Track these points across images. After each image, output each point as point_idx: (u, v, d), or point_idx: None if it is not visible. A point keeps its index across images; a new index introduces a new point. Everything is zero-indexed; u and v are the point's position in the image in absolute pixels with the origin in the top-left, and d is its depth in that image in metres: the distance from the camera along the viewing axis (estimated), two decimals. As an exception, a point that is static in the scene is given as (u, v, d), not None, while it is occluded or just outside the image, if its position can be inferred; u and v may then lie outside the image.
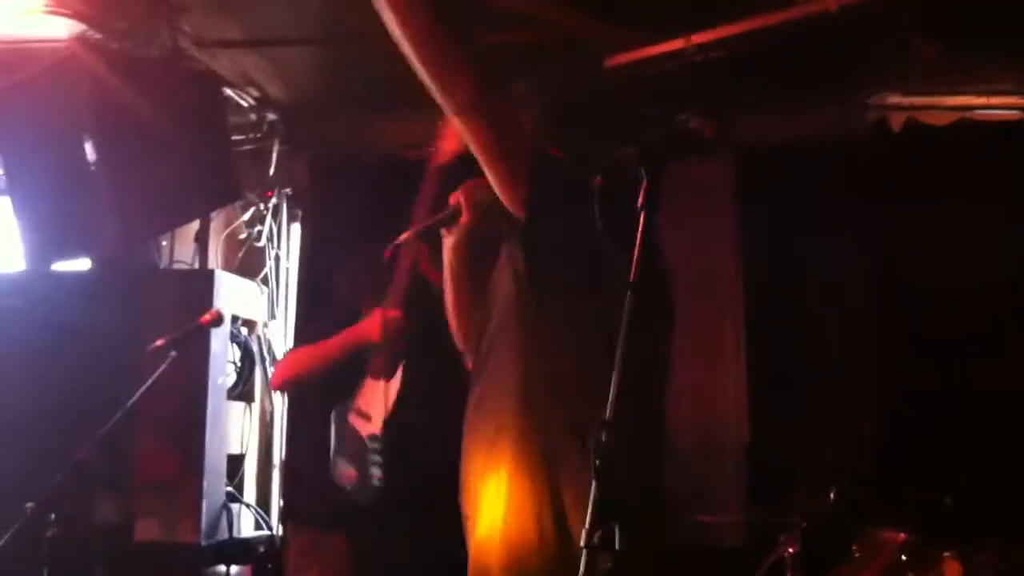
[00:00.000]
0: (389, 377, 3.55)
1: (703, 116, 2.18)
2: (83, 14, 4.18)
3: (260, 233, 5.25)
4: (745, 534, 4.61)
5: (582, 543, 1.65)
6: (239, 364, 5.01)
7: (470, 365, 2.75)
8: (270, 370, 5.18)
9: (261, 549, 4.92)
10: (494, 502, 2.45)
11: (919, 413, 4.50)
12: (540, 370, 2.49)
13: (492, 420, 2.54)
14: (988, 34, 4.05)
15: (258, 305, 5.16)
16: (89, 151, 4.18)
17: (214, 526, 4.60)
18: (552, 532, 2.38)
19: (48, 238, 4.51)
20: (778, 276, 4.78)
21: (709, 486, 4.81)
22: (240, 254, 5.28)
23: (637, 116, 2.69)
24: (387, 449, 3.47)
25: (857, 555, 3.68)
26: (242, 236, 5.29)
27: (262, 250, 5.26)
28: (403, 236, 2.73)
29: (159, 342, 3.68)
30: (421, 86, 2.43)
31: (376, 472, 3.49)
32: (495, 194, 2.54)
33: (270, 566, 4.93)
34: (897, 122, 4.82)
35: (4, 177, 4.59)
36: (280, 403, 5.22)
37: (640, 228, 1.86)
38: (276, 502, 5.17)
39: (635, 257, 1.86)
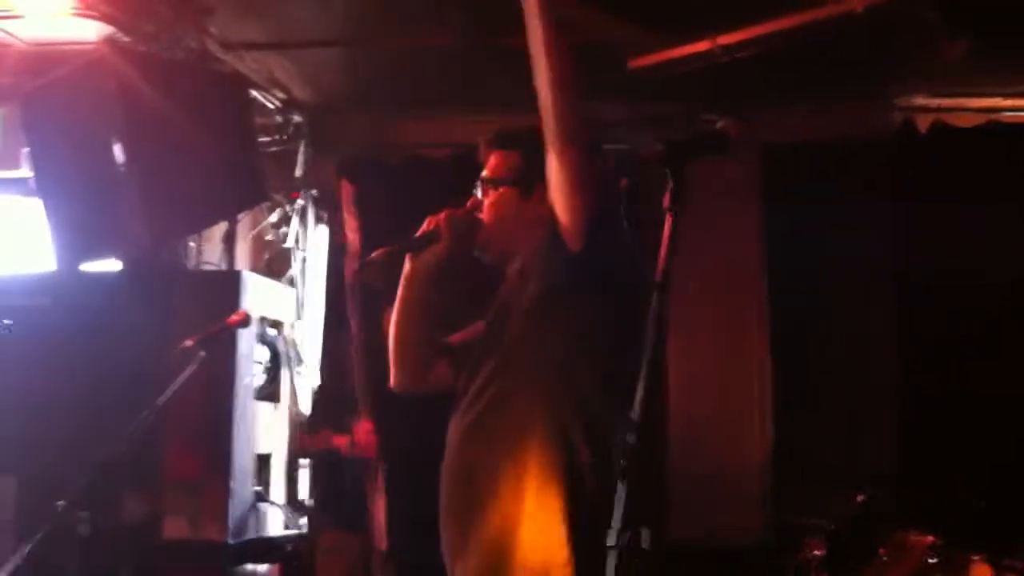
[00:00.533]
0: None
1: (728, 116, 2.19)
2: (111, 17, 4.22)
3: (287, 234, 5.27)
4: (769, 535, 4.60)
5: (611, 544, 1.65)
6: (267, 365, 5.03)
7: (399, 382, 2.80)
8: (297, 370, 5.21)
9: (288, 548, 4.95)
10: (515, 500, 2.47)
11: (943, 414, 4.48)
12: (563, 376, 2.51)
13: (514, 421, 2.55)
14: (1015, 33, 4.02)
15: (285, 306, 5.18)
16: (118, 153, 4.21)
17: (241, 525, 4.62)
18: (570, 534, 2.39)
19: (78, 239, 4.54)
20: (802, 276, 4.77)
21: (733, 486, 4.81)
22: (267, 255, 5.32)
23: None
24: None
25: (884, 558, 3.66)
26: (269, 237, 5.32)
27: (289, 251, 5.29)
28: (376, 254, 2.73)
29: (187, 342, 3.70)
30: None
31: None
32: (475, 226, 2.66)
33: (297, 564, 4.97)
34: (924, 123, 4.79)
35: (34, 179, 4.62)
36: (306, 404, 5.25)
37: (666, 228, 1.87)
38: (304, 501, 5.20)
39: (661, 257, 1.87)
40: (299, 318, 5.27)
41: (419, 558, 3.28)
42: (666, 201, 1.87)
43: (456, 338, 2.88)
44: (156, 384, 3.66)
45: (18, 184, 5.09)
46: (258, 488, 4.80)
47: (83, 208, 4.40)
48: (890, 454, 4.56)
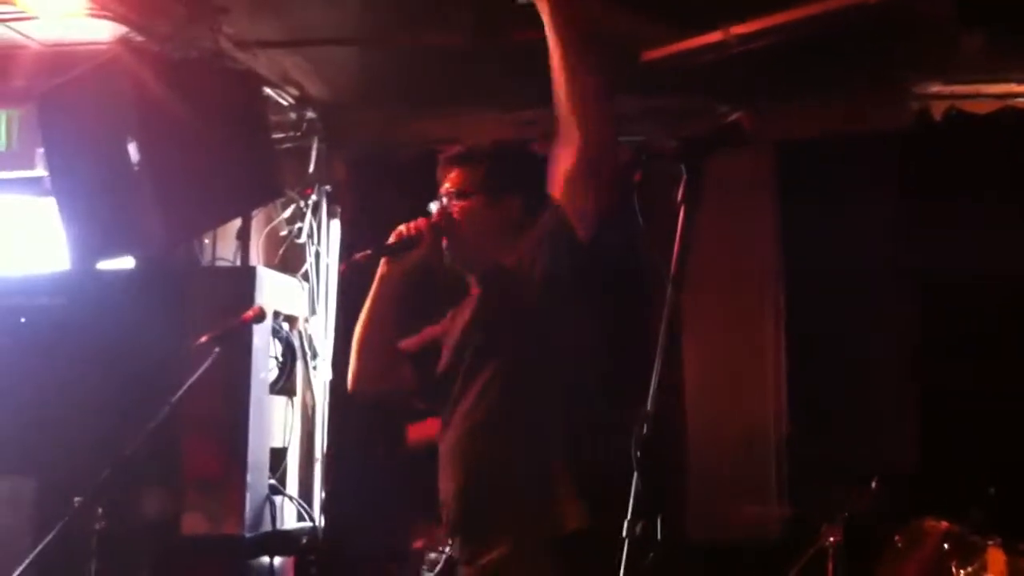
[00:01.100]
0: None
1: (742, 109, 2.19)
2: (125, 17, 4.23)
3: (300, 230, 5.29)
4: (785, 524, 4.61)
5: (623, 534, 1.67)
6: (281, 359, 5.06)
7: (360, 384, 2.89)
8: (311, 365, 5.23)
9: (304, 541, 4.98)
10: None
11: (962, 409, 4.47)
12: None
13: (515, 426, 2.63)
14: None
15: (299, 301, 5.21)
16: (132, 152, 4.23)
17: (258, 519, 4.65)
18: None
19: (92, 238, 4.56)
20: (818, 268, 4.75)
21: (749, 477, 4.81)
22: (281, 251, 5.33)
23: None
24: None
25: (899, 545, 3.67)
26: (283, 233, 5.34)
27: (302, 246, 5.30)
28: (359, 256, 2.80)
29: (203, 339, 3.72)
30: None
31: None
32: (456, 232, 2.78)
33: (313, 557, 5.00)
34: (939, 111, 4.77)
35: (49, 178, 4.65)
36: (322, 397, 5.28)
37: (680, 223, 1.87)
38: (318, 494, 5.23)
39: (675, 252, 1.88)
40: (313, 313, 5.29)
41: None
42: (680, 195, 1.88)
43: (411, 343, 2.96)
44: (172, 381, 3.69)
45: (33, 184, 5.12)
46: (273, 482, 4.83)
47: (98, 207, 4.42)
48: (908, 449, 4.56)
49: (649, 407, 1.73)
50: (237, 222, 5.08)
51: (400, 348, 2.92)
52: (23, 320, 4.86)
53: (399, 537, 4.64)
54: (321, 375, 5.28)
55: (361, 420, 5.00)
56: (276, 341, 4.99)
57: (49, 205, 4.69)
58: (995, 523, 3.50)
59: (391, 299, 2.85)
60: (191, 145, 4.18)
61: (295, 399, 5.16)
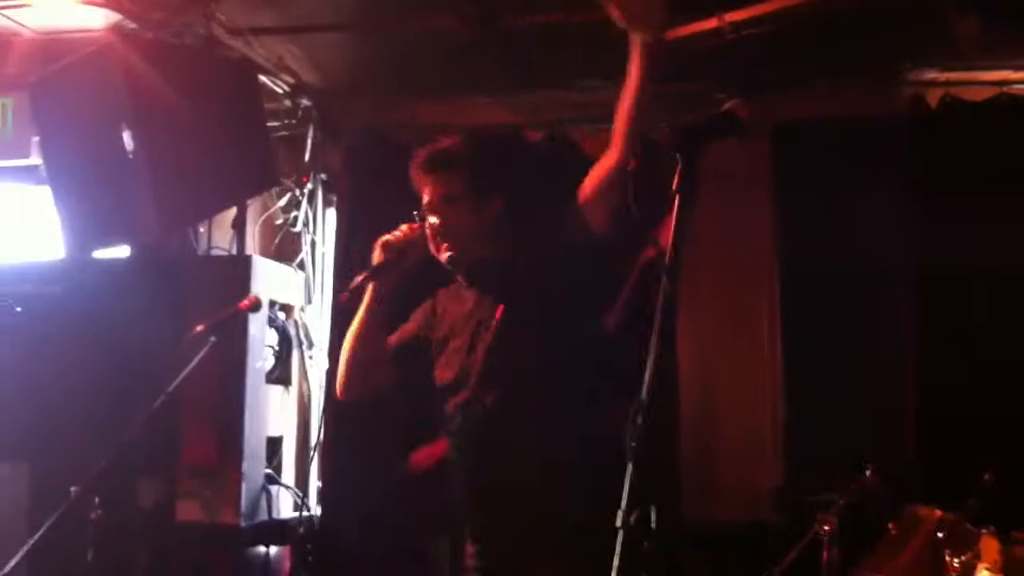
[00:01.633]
0: None
1: (737, 97, 2.20)
2: (119, 4, 4.22)
3: (296, 218, 5.29)
4: (782, 512, 4.62)
5: (618, 523, 1.67)
6: (277, 348, 5.06)
7: (351, 393, 2.95)
8: (307, 354, 5.23)
9: (300, 530, 4.98)
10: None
11: (956, 398, 4.47)
12: None
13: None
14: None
15: (295, 290, 5.20)
16: (127, 140, 4.22)
17: (254, 508, 4.65)
18: None
19: (87, 226, 4.56)
20: (814, 256, 4.74)
21: (745, 466, 4.82)
22: (276, 240, 5.33)
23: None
24: None
25: (894, 532, 3.68)
26: (278, 222, 5.33)
27: (298, 235, 5.30)
28: (357, 280, 2.84)
29: (198, 328, 3.72)
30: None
31: None
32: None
33: (309, 546, 5.00)
34: (933, 98, 4.76)
35: (44, 167, 4.64)
36: (317, 386, 5.28)
37: (674, 211, 1.87)
38: (314, 484, 5.24)
39: (669, 239, 1.87)
40: (309, 302, 5.29)
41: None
42: (674, 184, 1.87)
43: (393, 339, 2.99)
44: (168, 370, 3.68)
45: (28, 173, 5.12)
46: (269, 471, 4.83)
47: (93, 196, 4.41)
48: (904, 439, 4.56)
49: (643, 396, 1.73)
50: (232, 211, 5.07)
51: (384, 350, 2.95)
52: (18, 309, 4.85)
53: (401, 532, 4.67)
54: (317, 364, 5.28)
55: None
56: (272, 330, 4.99)
57: (44, 194, 4.68)
58: (990, 512, 3.51)
59: (380, 317, 2.91)
60: (185, 133, 4.16)
61: (291, 388, 5.16)
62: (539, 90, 4.96)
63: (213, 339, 3.66)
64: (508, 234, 2.81)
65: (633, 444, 1.69)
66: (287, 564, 4.98)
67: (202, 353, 3.67)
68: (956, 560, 3.41)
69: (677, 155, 1.85)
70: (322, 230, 5.39)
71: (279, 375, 5.06)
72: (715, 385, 4.91)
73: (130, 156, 4.21)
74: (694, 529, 4.52)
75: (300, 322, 5.22)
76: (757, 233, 4.91)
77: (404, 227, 2.89)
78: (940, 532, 3.51)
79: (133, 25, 4.32)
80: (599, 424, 2.66)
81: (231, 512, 4.55)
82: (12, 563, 3.33)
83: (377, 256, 2.86)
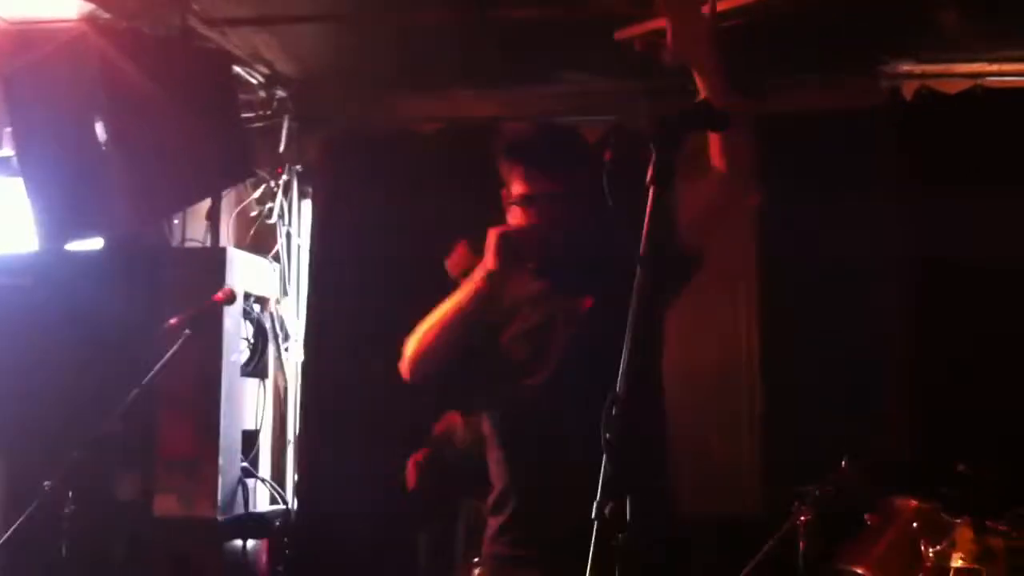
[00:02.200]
0: None
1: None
2: (93, -6, 4.19)
3: (271, 210, 5.26)
4: (759, 502, 4.63)
5: (592, 515, 1.67)
6: (252, 341, 5.04)
7: (422, 376, 2.81)
8: (283, 346, 5.21)
9: (277, 523, 4.97)
10: None
11: (935, 390, 4.50)
12: None
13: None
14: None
15: (270, 282, 5.18)
16: (100, 131, 4.19)
17: (230, 501, 4.64)
18: None
19: (60, 218, 4.53)
20: (792, 248, 4.75)
21: (724, 457, 4.83)
22: (252, 231, 5.30)
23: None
24: None
25: (870, 523, 3.69)
26: (253, 213, 5.30)
27: (273, 227, 5.27)
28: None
29: (173, 321, 3.70)
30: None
31: None
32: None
33: (286, 540, 5.00)
34: (909, 90, 4.78)
35: (16, 158, 4.60)
36: (294, 379, 5.26)
37: (649, 202, 1.86)
38: (291, 477, 5.22)
39: (644, 231, 1.86)
40: (284, 294, 5.27)
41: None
42: (649, 176, 1.86)
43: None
44: (143, 363, 3.67)
45: (1, 163, 5.07)
46: (245, 464, 4.82)
47: (66, 187, 4.38)
48: (883, 430, 4.58)
49: (619, 389, 1.72)
50: (207, 202, 5.04)
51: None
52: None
53: (379, 525, 4.66)
54: (293, 357, 5.26)
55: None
56: (247, 323, 4.97)
57: (17, 185, 4.65)
58: (966, 502, 3.53)
59: (477, 314, 2.74)
60: (160, 124, 4.15)
61: (267, 381, 5.14)
62: (522, 83, 4.96)
63: (188, 332, 3.65)
64: (599, 234, 2.68)
65: (607, 436, 1.69)
66: (264, 558, 4.97)
67: (177, 346, 3.66)
68: (931, 550, 3.43)
69: (651, 145, 1.84)
70: (297, 222, 5.37)
71: (255, 368, 5.04)
72: (695, 374, 4.91)
73: (104, 147, 4.19)
74: (673, 519, 4.52)
75: (276, 314, 5.20)
76: (737, 226, 4.92)
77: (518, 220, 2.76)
78: (915, 522, 3.52)
79: (106, 15, 4.28)
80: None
81: (208, 505, 4.53)
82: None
83: (492, 250, 2.68)
